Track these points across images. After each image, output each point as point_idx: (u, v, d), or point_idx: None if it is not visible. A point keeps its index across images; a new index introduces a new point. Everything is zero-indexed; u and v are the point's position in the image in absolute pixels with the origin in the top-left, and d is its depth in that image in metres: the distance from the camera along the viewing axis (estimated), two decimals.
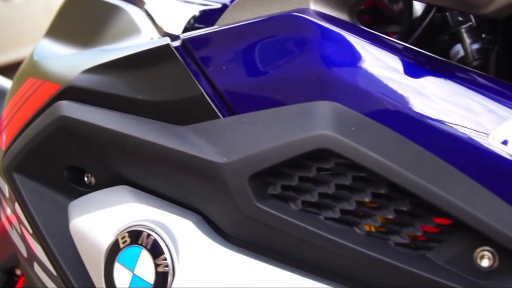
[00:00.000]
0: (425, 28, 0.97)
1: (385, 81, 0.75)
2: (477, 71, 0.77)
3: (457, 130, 0.71)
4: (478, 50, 0.93)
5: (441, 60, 0.79)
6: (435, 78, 0.74)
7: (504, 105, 0.71)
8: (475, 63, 0.94)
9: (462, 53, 0.96)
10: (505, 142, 0.69)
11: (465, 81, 0.74)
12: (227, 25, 0.84)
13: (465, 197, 0.69)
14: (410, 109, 0.72)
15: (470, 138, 0.70)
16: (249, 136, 0.76)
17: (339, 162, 0.72)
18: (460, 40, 0.96)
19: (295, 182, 0.74)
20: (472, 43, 0.94)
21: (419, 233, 0.71)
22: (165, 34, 0.98)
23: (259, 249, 0.77)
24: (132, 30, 1.03)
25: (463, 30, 0.96)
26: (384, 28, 1.04)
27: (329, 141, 0.71)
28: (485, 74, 0.77)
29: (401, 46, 0.80)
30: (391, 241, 0.72)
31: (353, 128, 0.72)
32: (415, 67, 0.76)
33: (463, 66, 0.78)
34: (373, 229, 0.74)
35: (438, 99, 0.73)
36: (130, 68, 0.88)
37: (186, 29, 1.03)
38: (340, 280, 0.73)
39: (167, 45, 0.85)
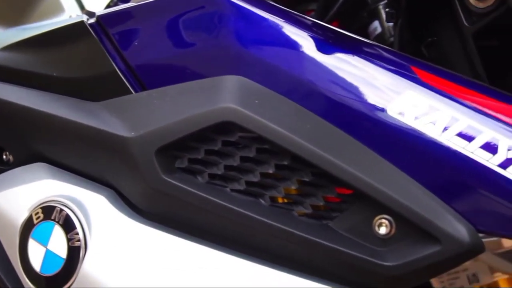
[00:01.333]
0: (345, 6, 0.98)
1: (290, 56, 0.76)
2: (381, 45, 0.79)
3: (357, 102, 0.72)
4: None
5: (348, 35, 0.80)
6: (340, 53, 0.76)
7: (403, 77, 0.73)
8: (392, 38, 0.96)
9: (379, 29, 0.98)
10: (401, 114, 0.71)
11: (368, 56, 0.76)
12: (141, 2, 0.85)
13: (364, 167, 0.71)
14: (313, 82, 0.74)
15: (370, 110, 0.72)
16: (157, 111, 0.77)
17: (243, 135, 0.73)
18: (378, 17, 0.98)
19: (201, 155, 0.75)
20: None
21: (321, 203, 0.73)
22: (87, 13, 0.98)
23: (170, 222, 0.78)
24: (56, 9, 1.03)
25: (380, 6, 0.98)
26: (304, 6, 1.06)
27: (232, 114, 0.73)
28: (388, 48, 0.78)
29: (310, 23, 0.81)
30: (295, 211, 0.74)
31: (256, 101, 0.73)
32: (322, 43, 0.77)
33: (368, 41, 0.80)
34: (285, 200, 0.75)
35: (341, 73, 0.74)
36: (46, 45, 0.88)
37: (108, 7, 1.03)
38: (248, 251, 0.75)
39: (82, 22, 0.85)
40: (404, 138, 0.71)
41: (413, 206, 0.69)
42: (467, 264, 1.05)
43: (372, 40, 0.95)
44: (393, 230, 0.70)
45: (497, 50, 0.80)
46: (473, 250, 0.68)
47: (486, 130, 0.69)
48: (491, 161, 0.68)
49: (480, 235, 1.01)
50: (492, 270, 1.04)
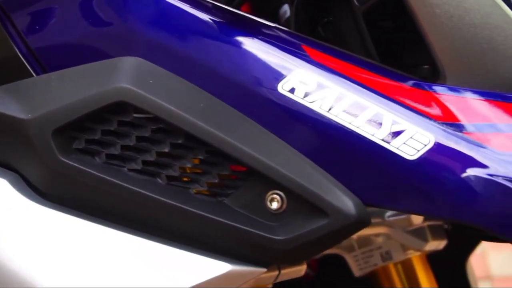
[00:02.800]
0: None
1: (187, 38, 0.77)
2: (278, 26, 0.80)
3: (249, 81, 0.74)
4: None
5: (246, 17, 0.81)
6: (235, 34, 0.77)
7: (294, 56, 0.74)
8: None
9: (288, 13, 1.00)
10: (292, 91, 0.72)
11: (263, 36, 0.77)
12: None
13: (255, 144, 0.72)
14: (208, 63, 0.75)
15: (261, 89, 0.73)
16: (55, 93, 0.77)
17: (137, 115, 0.74)
18: (287, 0, 0.99)
19: (98, 135, 0.75)
20: None
21: (216, 181, 0.74)
22: None
23: (72, 203, 0.78)
24: None
25: None
26: None
27: (125, 94, 0.74)
28: (284, 28, 0.80)
29: (209, 5, 0.82)
30: (191, 189, 0.75)
31: (151, 81, 0.74)
32: (219, 25, 0.78)
33: (266, 22, 0.81)
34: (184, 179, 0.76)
35: (234, 54, 0.75)
36: None
37: None
38: (146, 229, 0.76)
39: None
40: (294, 115, 0.72)
41: (302, 181, 0.71)
42: (381, 242, 1.07)
43: (282, 23, 0.96)
44: (285, 205, 0.72)
45: (391, 30, 0.82)
46: (360, 223, 0.70)
47: (371, 106, 0.71)
48: (376, 136, 0.70)
49: (390, 213, 1.04)
50: (405, 248, 1.06)
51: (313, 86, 0.72)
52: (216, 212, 0.74)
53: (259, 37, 0.76)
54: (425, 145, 0.69)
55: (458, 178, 0.67)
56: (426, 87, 0.72)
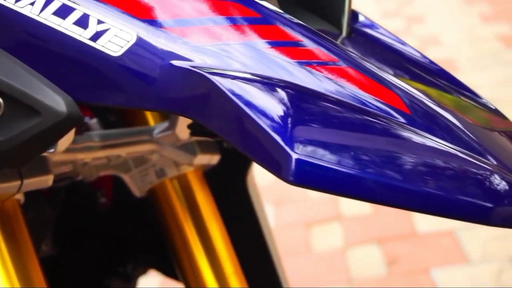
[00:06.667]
0: None
1: None
2: None
3: None
4: None
5: None
6: None
7: None
8: None
9: None
10: (32, 4, 0.74)
11: None
12: None
13: None
14: None
15: None
16: None
17: None
18: None
19: None
20: None
21: None
22: None
23: None
24: None
25: None
26: None
27: None
28: None
29: None
30: None
31: None
32: None
33: None
34: None
35: None
36: None
37: None
38: None
39: None
40: (7, 20, 0.74)
41: (14, 83, 0.73)
42: (155, 160, 1.11)
43: None
44: (2, 109, 0.75)
45: None
46: (71, 119, 0.73)
47: (78, 8, 0.74)
48: (83, 36, 0.73)
49: (157, 130, 1.08)
50: (177, 164, 1.11)
51: None
52: None
53: None
54: (128, 42, 0.72)
55: (155, 69, 0.71)
56: None
